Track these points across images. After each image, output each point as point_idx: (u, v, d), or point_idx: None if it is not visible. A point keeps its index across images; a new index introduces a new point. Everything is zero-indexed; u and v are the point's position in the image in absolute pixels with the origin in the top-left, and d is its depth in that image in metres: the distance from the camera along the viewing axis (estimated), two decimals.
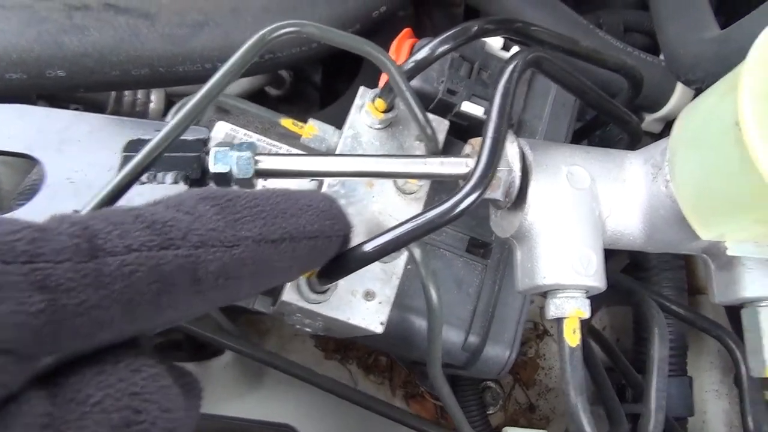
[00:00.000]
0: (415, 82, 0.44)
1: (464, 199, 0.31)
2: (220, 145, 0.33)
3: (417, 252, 0.34)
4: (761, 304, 0.37)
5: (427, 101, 0.45)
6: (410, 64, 0.35)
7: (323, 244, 0.26)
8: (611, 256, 0.69)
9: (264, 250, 0.23)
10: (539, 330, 0.70)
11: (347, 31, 0.51)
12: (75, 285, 0.18)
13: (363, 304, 0.38)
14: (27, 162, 0.35)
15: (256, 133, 0.44)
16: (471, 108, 0.44)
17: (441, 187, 0.44)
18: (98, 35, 0.44)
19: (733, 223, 0.30)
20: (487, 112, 0.32)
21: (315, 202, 0.26)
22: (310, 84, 0.77)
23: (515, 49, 0.46)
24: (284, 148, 0.44)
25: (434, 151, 0.38)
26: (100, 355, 0.20)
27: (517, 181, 0.34)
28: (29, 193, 0.35)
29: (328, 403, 0.50)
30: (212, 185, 0.33)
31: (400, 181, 0.40)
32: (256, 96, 0.69)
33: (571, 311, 0.34)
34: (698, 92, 0.34)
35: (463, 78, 0.45)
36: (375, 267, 0.39)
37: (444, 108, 0.45)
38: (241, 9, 0.47)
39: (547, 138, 0.46)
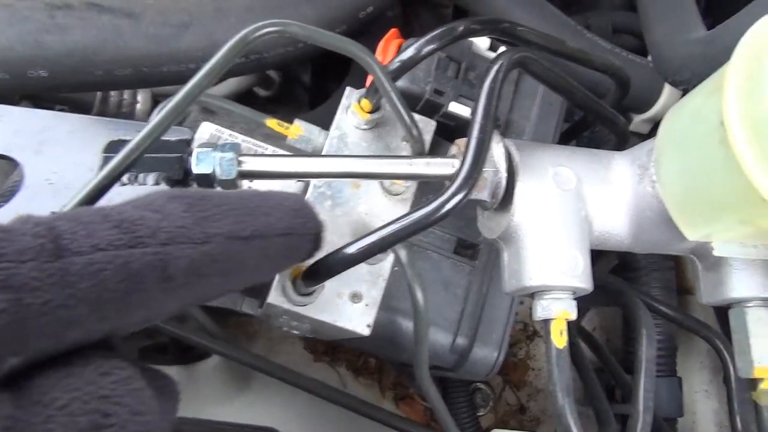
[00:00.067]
0: (402, 83, 0.44)
1: (449, 200, 0.30)
2: (202, 145, 0.32)
3: (403, 253, 0.34)
4: (748, 305, 0.37)
5: (414, 102, 0.44)
6: (396, 64, 0.35)
7: (295, 242, 0.26)
8: (600, 256, 0.69)
9: (234, 247, 0.23)
10: (529, 331, 0.70)
11: (333, 32, 0.51)
12: (40, 284, 0.18)
13: (349, 306, 0.38)
14: (7, 163, 0.34)
15: (241, 133, 0.44)
16: (458, 108, 0.44)
17: (429, 188, 0.44)
18: (81, 35, 0.43)
19: (719, 224, 0.30)
20: (473, 112, 0.32)
21: (285, 201, 0.26)
22: (300, 85, 0.77)
23: (502, 49, 0.46)
24: (270, 148, 0.44)
25: (420, 152, 0.37)
26: (69, 357, 0.20)
27: (504, 182, 0.34)
28: (8, 194, 0.34)
29: (316, 407, 0.49)
30: (195, 186, 0.33)
31: (387, 182, 0.39)
32: (245, 97, 0.69)
33: (557, 312, 0.34)
34: (685, 93, 0.34)
35: (450, 78, 0.44)
36: (361, 269, 0.38)
37: (431, 108, 0.44)
38: (225, 9, 0.47)
39: (535, 138, 0.46)
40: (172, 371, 0.54)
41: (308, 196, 0.39)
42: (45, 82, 0.43)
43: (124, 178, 0.31)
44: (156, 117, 0.28)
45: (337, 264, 0.32)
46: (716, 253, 0.32)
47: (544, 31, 0.38)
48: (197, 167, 0.32)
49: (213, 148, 0.32)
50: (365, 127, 0.40)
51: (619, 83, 0.43)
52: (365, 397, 0.65)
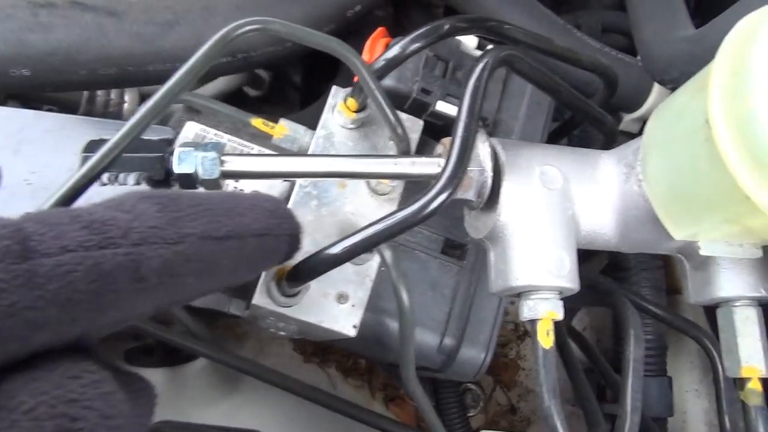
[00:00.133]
0: (389, 82, 0.44)
1: (434, 200, 0.30)
2: (184, 145, 0.32)
3: (388, 254, 0.34)
4: (736, 304, 0.37)
5: (401, 101, 0.44)
6: (381, 63, 0.35)
7: (271, 242, 0.26)
8: (591, 256, 0.69)
9: (208, 247, 0.23)
10: (520, 331, 0.70)
11: (321, 31, 0.51)
12: (6, 286, 0.18)
13: (336, 307, 0.38)
14: None
15: (227, 133, 0.43)
16: (445, 107, 0.44)
17: (417, 187, 0.43)
18: (64, 33, 0.42)
19: (705, 223, 0.30)
20: (458, 111, 0.32)
21: (261, 202, 0.26)
22: (291, 84, 0.76)
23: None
24: (256, 148, 0.44)
25: (406, 151, 0.37)
26: (37, 360, 0.20)
27: (489, 181, 0.34)
28: None
29: (305, 409, 0.49)
30: (177, 187, 0.33)
31: (373, 182, 0.39)
32: (236, 96, 0.68)
33: (544, 313, 0.33)
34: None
35: (438, 77, 0.44)
36: (348, 269, 0.38)
37: (419, 108, 0.44)
38: (212, 8, 0.46)
39: (523, 138, 0.46)
40: (158, 373, 0.54)
41: (294, 195, 0.38)
42: (28, 81, 0.43)
43: (104, 179, 0.30)
44: (134, 116, 0.27)
45: (321, 264, 0.32)
46: (703, 252, 0.32)
47: (532, 30, 0.38)
48: (179, 167, 0.31)
49: (195, 147, 0.32)
50: (351, 126, 0.40)
51: (607, 82, 0.42)
52: (355, 399, 0.64)
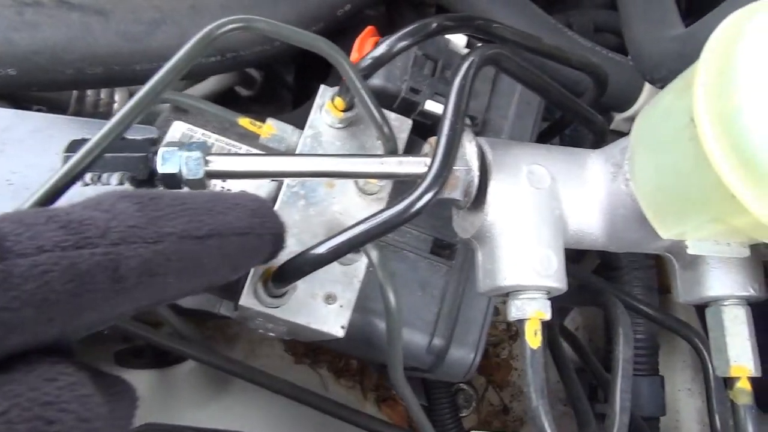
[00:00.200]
0: (377, 81, 0.44)
1: (419, 199, 0.30)
2: (168, 144, 0.32)
3: (374, 254, 0.33)
4: (725, 303, 0.36)
5: (390, 100, 0.44)
6: (368, 61, 0.35)
7: (254, 241, 0.26)
8: (583, 256, 0.69)
9: (189, 246, 0.23)
10: (512, 331, 0.70)
11: (310, 30, 0.51)
12: None
13: (323, 307, 0.37)
14: None
15: (214, 132, 0.43)
16: (434, 107, 0.43)
17: (405, 187, 0.43)
18: (50, 32, 0.42)
19: (692, 222, 0.30)
20: (444, 110, 0.32)
21: (243, 201, 0.26)
22: (283, 84, 0.76)
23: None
24: (244, 148, 0.43)
25: (393, 151, 0.37)
26: (13, 362, 0.19)
27: (476, 181, 0.34)
28: None
29: (295, 411, 0.48)
30: (161, 187, 0.32)
31: (361, 182, 0.39)
32: (227, 96, 0.68)
33: (532, 313, 0.33)
34: None
35: (427, 76, 0.44)
36: (336, 270, 0.38)
37: (407, 107, 0.44)
38: (199, 7, 0.46)
39: (513, 137, 0.46)
40: (147, 375, 0.54)
41: (281, 195, 0.38)
42: (14, 81, 0.42)
43: (87, 179, 0.30)
44: (116, 115, 0.27)
45: (306, 264, 0.31)
46: (690, 251, 0.32)
47: (522, 29, 0.38)
48: (163, 167, 0.31)
49: (179, 147, 0.31)
50: (339, 125, 0.40)
51: (597, 81, 0.42)
52: (347, 399, 0.64)
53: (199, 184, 0.32)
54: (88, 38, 0.43)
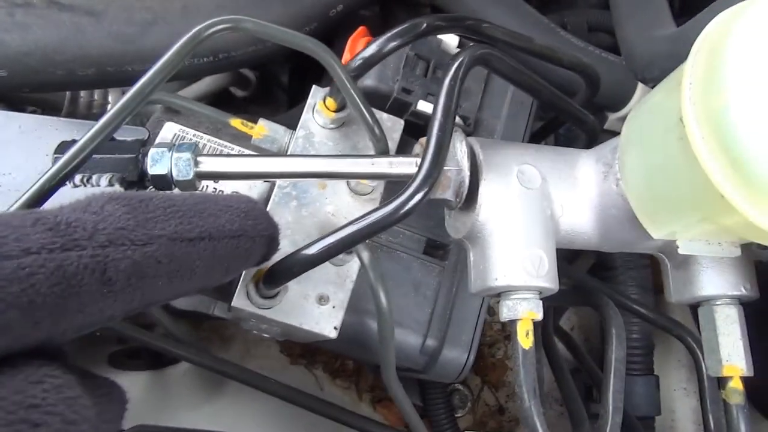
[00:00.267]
0: (370, 81, 0.44)
1: (410, 200, 0.30)
2: (158, 146, 0.32)
3: (365, 254, 0.33)
4: (717, 303, 0.37)
5: (382, 100, 0.44)
6: (358, 62, 0.35)
7: (246, 243, 0.26)
8: (577, 256, 0.69)
9: (180, 249, 0.23)
10: (507, 331, 0.70)
11: (303, 30, 0.50)
12: None
13: (316, 308, 0.37)
14: None
15: (207, 133, 0.43)
16: (426, 107, 0.43)
17: (398, 187, 0.43)
18: (41, 33, 0.42)
19: (682, 222, 0.30)
20: (433, 110, 0.32)
21: (236, 203, 0.26)
22: (278, 84, 0.76)
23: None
24: (236, 149, 0.43)
25: (384, 151, 0.37)
26: None
27: (467, 181, 0.34)
28: None
29: (291, 412, 0.48)
30: (151, 189, 0.32)
31: (353, 182, 0.39)
32: (222, 97, 0.68)
33: (523, 313, 0.33)
34: None
35: (419, 77, 0.44)
36: (328, 270, 0.38)
37: (400, 107, 0.44)
38: (192, 7, 0.46)
39: (505, 137, 0.46)
40: (142, 376, 0.54)
41: (273, 196, 0.38)
42: (5, 82, 0.42)
43: (77, 180, 0.30)
44: (104, 116, 0.27)
45: (297, 265, 0.31)
46: (681, 251, 0.32)
47: (515, 29, 0.38)
48: (152, 168, 0.31)
49: (168, 148, 0.31)
50: (332, 126, 0.40)
51: (588, 81, 0.42)
52: (343, 400, 0.64)
53: (189, 185, 0.32)
54: (79, 39, 0.43)
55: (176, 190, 0.32)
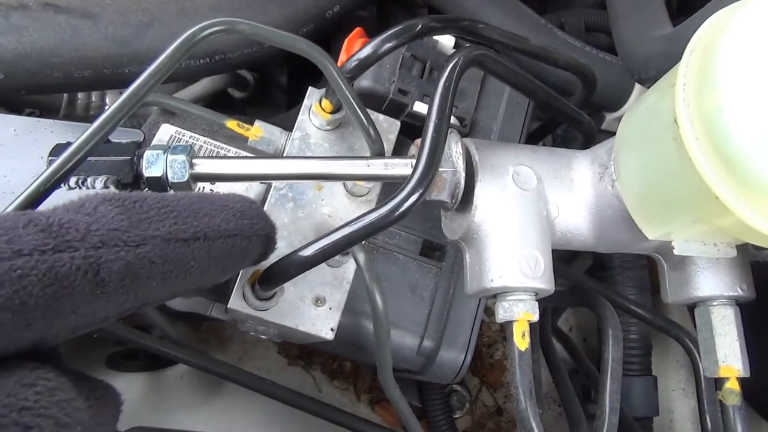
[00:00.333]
0: (366, 82, 0.44)
1: (405, 201, 0.30)
2: (153, 148, 0.32)
3: (361, 256, 0.33)
4: (713, 303, 0.36)
5: (379, 101, 0.44)
6: (353, 63, 0.35)
7: (242, 243, 0.25)
8: (576, 257, 0.69)
9: (174, 249, 0.23)
10: (505, 332, 0.70)
11: (300, 31, 0.50)
12: None
13: (313, 310, 0.37)
14: None
15: (203, 135, 0.43)
16: (423, 108, 0.43)
17: (395, 188, 0.43)
18: (37, 36, 0.42)
19: (677, 222, 0.30)
20: (428, 112, 0.31)
21: (232, 202, 0.25)
22: (276, 85, 0.76)
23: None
24: (232, 150, 0.43)
25: (380, 153, 0.37)
26: None
27: (462, 182, 0.34)
28: None
29: (289, 414, 0.48)
30: (146, 191, 0.32)
31: (350, 184, 0.39)
32: (221, 98, 0.68)
33: (519, 314, 0.33)
34: None
35: (415, 78, 0.44)
36: (325, 272, 0.38)
37: (396, 108, 0.44)
38: (188, 9, 0.46)
39: (502, 137, 0.46)
40: (140, 378, 0.54)
41: (270, 198, 0.38)
42: (1, 84, 0.42)
43: (72, 182, 0.30)
44: (99, 118, 0.27)
45: (292, 267, 0.31)
46: (677, 252, 0.32)
47: (512, 30, 0.38)
48: (147, 170, 0.31)
49: (163, 150, 0.31)
50: (328, 127, 0.40)
51: (584, 81, 0.42)
52: (341, 401, 0.64)
53: (184, 187, 0.32)
54: (75, 41, 0.43)
55: (171, 192, 0.32)
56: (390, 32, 0.35)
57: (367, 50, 0.34)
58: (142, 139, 0.35)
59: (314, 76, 0.64)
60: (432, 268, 0.44)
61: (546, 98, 0.38)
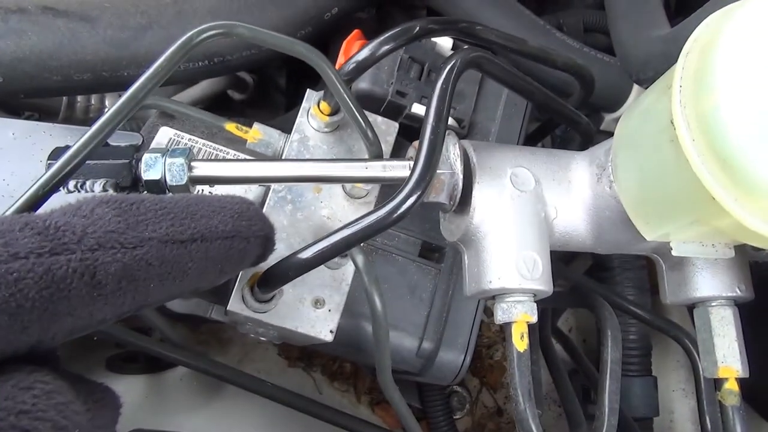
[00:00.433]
0: (364, 84, 0.44)
1: (403, 203, 0.30)
2: (152, 151, 0.32)
3: (359, 258, 0.33)
4: (712, 304, 0.37)
5: (377, 103, 0.44)
6: (351, 65, 0.35)
7: (240, 244, 0.25)
8: (575, 257, 0.69)
9: (172, 251, 0.23)
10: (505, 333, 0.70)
11: (298, 34, 0.51)
12: None
13: (312, 312, 0.37)
14: None
15: (202, 138, 0.43)
16: (421, 110, 0.43)
17: (394, 190, 0.43)
18: (36, 39, 0.42)
19: (674, 223, 0.30)
20: (425, 114, 0.32)
21: (229, 204, 0.25)
22: (276, 87, 0.76)
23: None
24: (231, 153, 0.43)
25: (377, 155, 0.37)
26: None
27: (460, 184, 0.34)
28: None
29: (289, 416, 0.48)
30: (145, 193, 0.32)
31: (348, 186, 0.39)
32: (220, 100, 0.68)
33: (518, 316, 0.33)
34: None
35: (413, 79, 0.44)
36: (324, 274, 0.38)
37: (394, 110, 0.44)
38: (186, 12, 0.46)
39: (500, 139, 0.46)
40: (140, 380, 0.54)
41: (268, 200, 0.38)
42: (0, 88, 0.43)
43: (70, 186, 0.30)
44: (97, 122, 0.27)
45: (291, 269, 0.31)
46: (675, 252, 0.32)
47: (510, 31, 0.38)
48: (146, 173, 0.31)
49: (162, 153, 0.31)
50: (326, 129, 0.40)
51: (582, 82, 0.42)
52: (341, 403, 0.64)
53: (183, 190, 0.32)
54: (74, 44, 0.43)
55: (169, 195, 0.32)
56: (388, 34, 0.35)
57: (365, 52, 0.34)
58: (140, 142, 0.35)
59: (313, 78, 0.64)
60: (431, 270, 0.44)
61: (544, 99, 0.38)
